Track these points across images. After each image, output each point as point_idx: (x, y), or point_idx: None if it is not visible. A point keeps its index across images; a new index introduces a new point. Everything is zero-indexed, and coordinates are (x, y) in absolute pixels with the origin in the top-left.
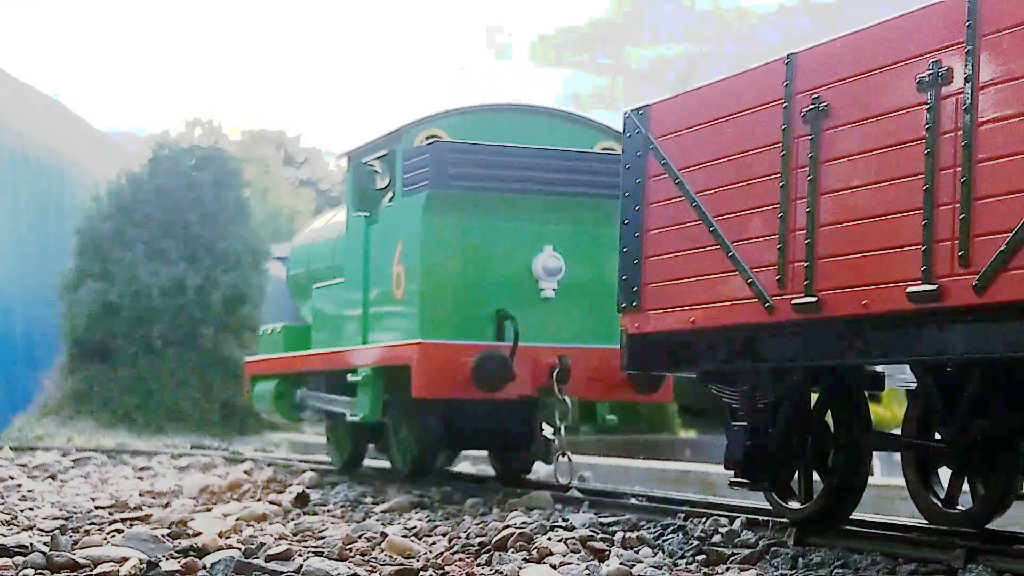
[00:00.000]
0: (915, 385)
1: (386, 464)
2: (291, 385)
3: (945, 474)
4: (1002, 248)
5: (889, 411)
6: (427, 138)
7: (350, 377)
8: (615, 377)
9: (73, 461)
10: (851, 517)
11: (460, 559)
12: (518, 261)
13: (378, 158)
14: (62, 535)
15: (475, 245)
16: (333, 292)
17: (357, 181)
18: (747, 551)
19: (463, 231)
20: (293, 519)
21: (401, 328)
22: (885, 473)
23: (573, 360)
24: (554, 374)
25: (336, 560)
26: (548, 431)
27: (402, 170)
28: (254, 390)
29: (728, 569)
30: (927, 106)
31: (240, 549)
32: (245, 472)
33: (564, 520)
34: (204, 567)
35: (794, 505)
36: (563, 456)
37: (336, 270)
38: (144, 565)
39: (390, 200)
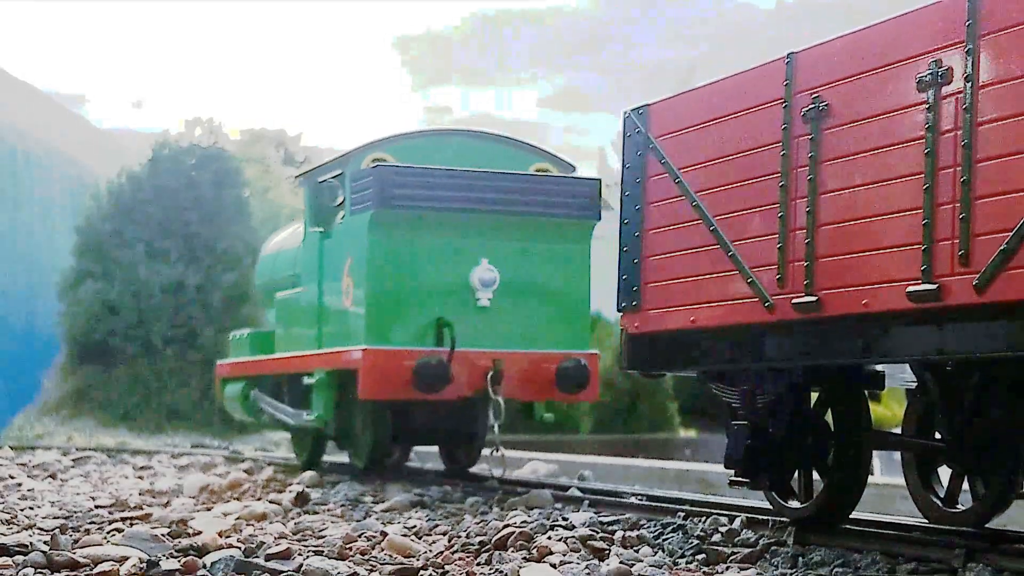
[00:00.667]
0: (915, 384)
1: (347, 460)
2: (257, 387)
3: (945, 473)
4: (1002, 247)
5: (889, 410)
6: (374, 161)
7: (306, 380)
8: (544, 379)
9: (73, 460)
10: (851, 516)
11: (460, 558)
12: (457, 273)
13: (332, 178)
14: (62, 534)
15: (417, 259)
16: (292, 301)
17: (312, 200)
18: (747, 550)
19: (406, 246)
20: (293, 518)
21: (350, 335)
22: (885, 472)
23: (506, 364)
24: (488, 377)
25: (336, 559)
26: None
27: (351, 191)
28: (224, 391)
29: (728, 568)
30: (927, 105)
31: (240, 548)
32: (245, 471)
33: (564, 519)
34: (204, 566)
35: (794, 504)
36: (497, 451)
37: (295, 280)
38: (144, 564)
39: (341, 218)
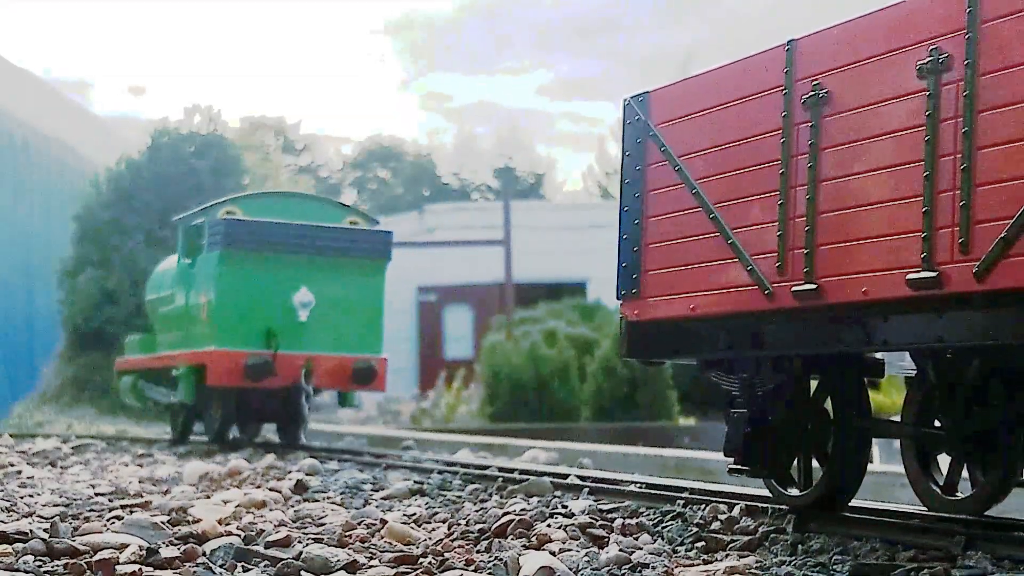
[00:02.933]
0: (915, 372)
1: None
2: (145, 379)
3: (944, 461)
4: (1003, 235)
5: (888, 398)
6: (226, 212)
7: (174, 372)
8: (343, 374)
9: (73, 448)
10: (851, 504)
11: (460, 546)
12: (282, 296)
13: (197, 223)
14: (62, 522)
15: (253, 286)
16: (168, 313)
17: (184, 238)
18: (746, 538)
19: (245, 276)
20: (293, 506)
21: (204, 339)
22: (885, 460)
23: (316, 363)
24: (303, 372)
25: (336, 547)
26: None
27: (208, 234)
28: (120, 382)
29: (727, 556)
30: (927, 93)
31: (240, 536)
32: (245, 459)
33: (563, 507)
34: (204, 554)
35: (793, 492)
36: (306, 426)
37: (171, 298)
38: (144, 552)
39: (202, 253)
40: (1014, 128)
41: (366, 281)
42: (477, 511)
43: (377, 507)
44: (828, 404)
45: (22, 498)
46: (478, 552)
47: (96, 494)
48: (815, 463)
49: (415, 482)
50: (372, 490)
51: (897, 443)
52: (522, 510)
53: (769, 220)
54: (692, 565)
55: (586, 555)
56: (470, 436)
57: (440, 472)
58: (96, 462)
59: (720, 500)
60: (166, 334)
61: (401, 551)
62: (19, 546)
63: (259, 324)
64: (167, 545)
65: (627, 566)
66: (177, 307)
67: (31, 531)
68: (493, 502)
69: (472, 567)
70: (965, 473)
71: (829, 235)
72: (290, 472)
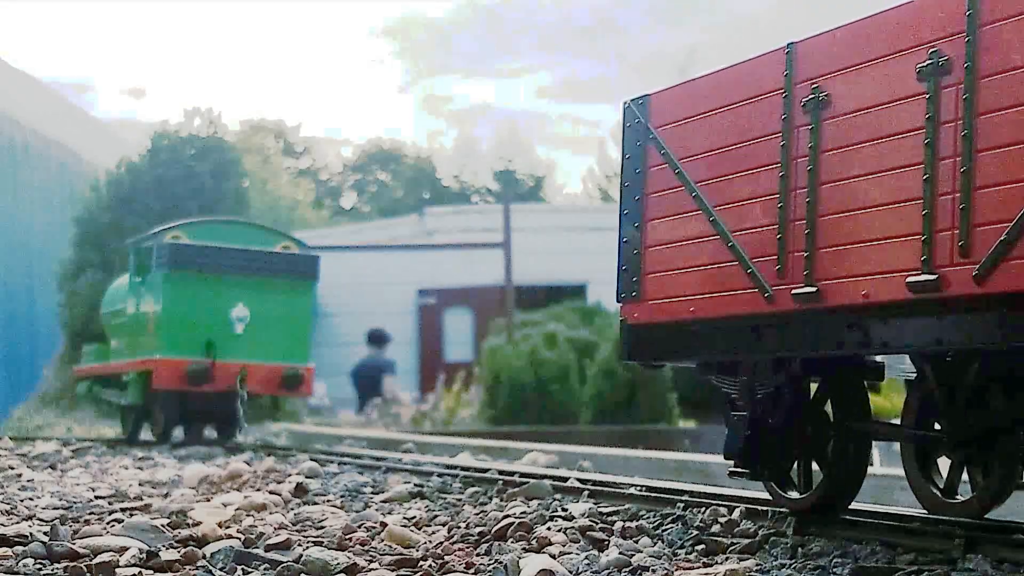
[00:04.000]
0: (914, 375)
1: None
2: (98, 384)
3: (944, 464)
4: (1002, 238)
5: (888, 401)
6: (173, 237)
7: (124, 377)
8: (274, 381)
9: (73, 451)
10: (850, 507)
11: (460, 549)
12: (221, 312)
13: (147, 246)
14: (62, 525)
15: (194, 302)
16: (121, 325)
17: (135, 258)
18: (746, 541)
19: (187, 293)
20: (293, 509)
21: (151, 348)
22: (885, 463)
23: (249, 371)
24: (238, 379)
25: (336, 550)
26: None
27: (156, 256)
28: (78, 387)
29: (727, 559)
30: (927, 96)
31: (240, 539)
32: (245, 462)
33: (563, 510)
34: (204, 557)
35: (793, 495)
36: (242, 427)
37: (123, 312)
38: (144, 555)
39: (151, 272)
40: (1014, 131)
41: (295, 299)
42: (477, 514)
43: (377, 510)
44: (828, 407)
45: (22, 501)
46: (478, 555)
47: (96, 497)
48: (815, 466)
49: (415, 485)
50: (372, 493)
51: (897, 446)
52: (522, 513)
53: (769, 223)
54: (692, 568)
55: (586, 558)
56: (470, 439)
57: (440, 475)
58: (96, 465)
59: (720, 503)
60: (118, 343)
61: (401, 554)
62: (19, 549)
63: (200, 335)
64: (167, 548)
65: (627, 569)
66: (128, 320)
67: (31, 534)
68: (493, 505)
69: (472, 570)
70: (965, 476)
71: (829, 238)
72: (290, 475)
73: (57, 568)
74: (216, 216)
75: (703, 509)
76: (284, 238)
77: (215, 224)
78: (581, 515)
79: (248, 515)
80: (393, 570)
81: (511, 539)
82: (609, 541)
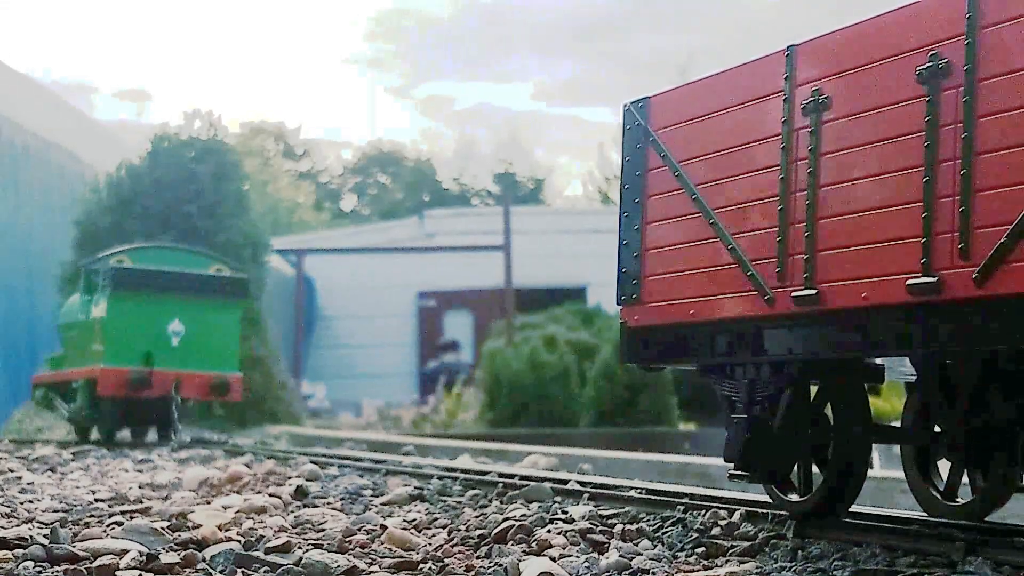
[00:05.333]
0: (915, 378)
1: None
2: (53, 391)
3: (944, 467)
4: (1002, 241)
5: (889, 404)
6: (118, 261)
7: (73, 384)
8: (204, 387)
9: (73, 454)
10: (851, 510)
11: (460, 551)
12: (159, 326)
13: (96, 268)
14: (62, 527)
15: (136, 318)
16: (73, 337)
17: (86, 279)
18: (746, 543)
19: (129, 310)
20: (293, 512)
21: (97, 358)
22: (885, 466)
23: (183, 379)
24: (173, 386)
25: (336, 552)
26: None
27: (103, 277)
28: (35, 394)
29: (727, 561)
30: (927, 99)
31: (240, 541)
32: (245, 465)
33: (564, 512)
34: (204, 559)
35: (794, 498)
36: (178, 431)
37: (75, 326)
38: (144, 557)
39: (99, 291)
40: (1014, 134)
41: (225, 315)
42: (477, 517)
43: (377, 513)
44: (828, 409)
45: (22, 504)
46: (478, 558)
47: (96, 500)
48: (815, 469)
49: (415, 488)
50: (372, 496)
51: (897, 449)
52: (522, 516)
53: (769, 225)
54: (692, 571)
55: (586, 561)
56: (470, 441)
57: (440, 478)
58: (96, 467)
59: (720, 506)
60: (70, 354)
61: (401, 557)
62: (19, 552)
63: (140, 347)
64: (167, 551)
65: (627, 572)
66: (78, 332)
67: (31, 537)
68: (493, 508)
69: (472, 573)
70: (965, 479)
71: (829, 240)
72: (290, 478)
73: (57, 571)
74: (157, 242)
75: (703, 512)
76: (217, 261)
77: (156, 249)
78: (581, 518)
79: (248, 518)
80: (393, 573)
81: (511, 542)
82: (609, 544)
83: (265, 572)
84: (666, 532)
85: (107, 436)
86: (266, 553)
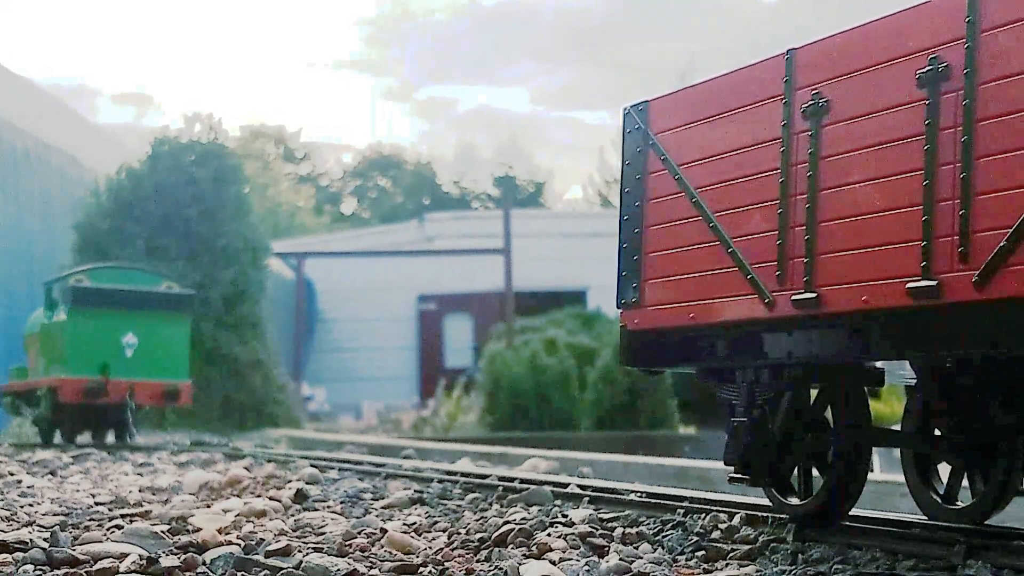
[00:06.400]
0: (915, 381)
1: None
2: (20, 399)
3: (945, 470)
4: (1002, 244)
5: (888, 407)
6: (76, 280)
7: (38, 392)
8: (156, 394)
9: (73, 457)
10: (850, 513)
11: (460, 555)
12: (114, 339)
13: (58, 285)
14: (62, 531)
15: (93, 331)
16: (37, 349)
17: (48, 295)
18: (746, 547)
19: (87, 324)
20: (293, 515)
21: (58, 368)
22: (885, 469)
23: (137, 387)
24: (127, 393)
25: (336, 556)
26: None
27: (62, 295)
28: (4, 400)
29: (727, 565)
30: (927, 102)
31: (240, 545)
32: (245, 468)
33: (564, 516)
34: (204, 563)
35: (793, 501)
36: (132, 434)
37: (39, 338)
38: (144, 561)
39: (59, 307)
40: (1013, 137)
41: (174, 328)
42: (477, 520)
43: (377, 516)
44: (828, 413)
45: (22, 507)
46: (478, 561)
47: (96, 503)
48: (815, 472)
49: (415, 491)
50: (372, 499)
51: (897, 452)
52: (522, 519)
53: (769, 229)
54: (692, 574)
55: (586, 564)
56: (470, 445)
57: (440, 481)
58: (96, 471)
59: (720, 509)
60: (35, 365)
61: (401, 560)
62: (19, 555)
63: (97, 358)
64: (167, 554)
65: (627, 575)
66: (41, 345)
67: (31, 540)
68: (493, 511)
69: None
70: (965, 482)
71: (829, 244)
72: (290, 481)
73: (57, 574)
74: (113, 262)
75: (703, 515)
76: (167, 279)
77: (111, 268)
78: (581, 521)
79: (248, 521)
80: None
81: (511, 545)
82: (609, 547)
83: (265, 575)
84: (666, 535)
85: (69, 438)
86: (266, 556)
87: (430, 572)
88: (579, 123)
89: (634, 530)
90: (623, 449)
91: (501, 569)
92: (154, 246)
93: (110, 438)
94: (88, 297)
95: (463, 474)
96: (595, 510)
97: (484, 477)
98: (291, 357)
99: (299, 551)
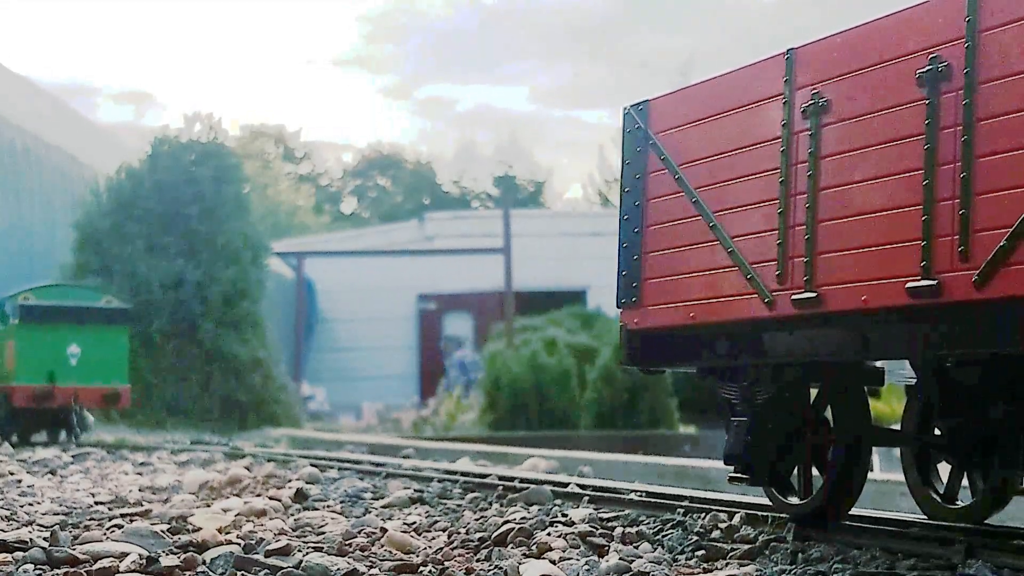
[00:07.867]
0: (914, 380)
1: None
2: None
3: (944, 470)
4: (1002, 243)
5: (888, 406)
6: (24, 298)
7: None
8: (99, 398)
9: (73, 457)
10: (850, 512)
11: (460, 554)
12: (60, 349)
13: (8, 303)
14: (62, 531)
15: (39, 343)
16: None
17: (0, 313)
18: (746, 546)
19: (34, 337)
20: (293, 514)
21: (10, 377)
22: (884, 468)
23: (81, 392)
24: (72, 397)
25: (336, 555)
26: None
27: (11, 310)
28: None
29: (727, 564)
30: (927, 101)
31: (240, 544)
32: (245, 468)
33: (564, 515)
34: (204, 562)
35: (793, 500)
36: (78, 434)
37: None
38: (144, 560)
39: (9, 322)
40: (1013, 137)
41: (114, 338)
42: (477, 519)
43: (377, 515)
44: (828, 412)
45: (22, 507)
46: (478, 561)
47: (96, 503)
48: (815, 472)
49: (415, 490)
50: (372, 498)
51: (897, 451)
52: (522, 518)
53: (769, 228)
54: (692, 573)
55: (586, 564)
56: (470, 444)
57: (440, 480)
58: (96, 470)
59: (720, 508)
60: None
61: (401, 559)
62: (19, 555)
63: (44, 367)
64: (167, 554)
65: (627, 574)
66: None
67: (31, 540)
68: (493, 510)
69: (472, 575)
70: (965, 482)
71: (829, 243)
72: (290, 481)
73: (57, 574)
74: (56, 281)
75: (703, 515)
76: (107, 294)
77: (56, 287)
78: (581, 520)
79: (248, 521)
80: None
81: (511, 545)
82: (609, 547)
83: (265, 575)
84: (666, 535)
85: (23, 438)
86: (266, 556)
87: (430, 571)
88: (579, 121)
89: (634, 529)
90: (623, 448)
91: (501, 568)
92: (154, 245)
93: (63, 436)
94: (35, 313)
95: (463, 473)
96: (595, 509)
97: (484, 476)
98: (291, 357)
99: (299, 550)
